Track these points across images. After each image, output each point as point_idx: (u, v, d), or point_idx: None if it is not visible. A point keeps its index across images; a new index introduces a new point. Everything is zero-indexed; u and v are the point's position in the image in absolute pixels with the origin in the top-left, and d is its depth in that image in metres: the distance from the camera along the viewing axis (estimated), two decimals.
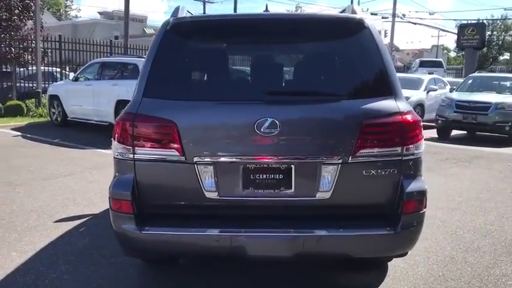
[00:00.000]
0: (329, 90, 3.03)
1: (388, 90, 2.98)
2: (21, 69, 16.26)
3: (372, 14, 39.15)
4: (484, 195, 6.23)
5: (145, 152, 2.89)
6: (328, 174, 2.87)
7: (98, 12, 65.33)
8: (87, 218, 5.02)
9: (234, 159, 2.88)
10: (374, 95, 2.97)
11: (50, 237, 4.51)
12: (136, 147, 2.89)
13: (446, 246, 4.34)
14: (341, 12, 3.52)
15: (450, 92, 13.68)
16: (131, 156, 2.90)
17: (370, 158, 2.88)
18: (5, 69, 15.91)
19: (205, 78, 3.14)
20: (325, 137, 2.90)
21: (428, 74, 21.14)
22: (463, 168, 8.05)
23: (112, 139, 3.00)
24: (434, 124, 12.50)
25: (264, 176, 2.90)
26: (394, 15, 38.17)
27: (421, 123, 3.03)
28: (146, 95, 2.98)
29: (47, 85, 14.57)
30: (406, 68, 36.15)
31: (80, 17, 71.25)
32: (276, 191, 2.91)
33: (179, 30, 3.09)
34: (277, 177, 2.90)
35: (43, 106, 13.89)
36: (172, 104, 2.93)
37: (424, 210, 3.00)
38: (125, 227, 2.91)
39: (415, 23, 41.75)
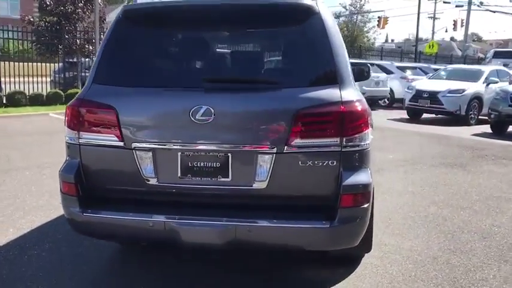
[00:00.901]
0: (269, 78, 2.97)
1: (333, 78, 2.87)
2: (86, 59, 17.20)
3: (444, 2, 37.19)
4: (506, 195, 5.79)
5: (89, 137, 2.99)
6: (265, 163, 2.82)
7: None
8: None
9: (172, 146, 2.90)
10: (317, 83, 2.88)
11: (50, 216, 4.77)
12: (81, 132, 3.00)
13: (434, 247, 4.10)
14: None
15: (510, 84, 12.76)
16: (77, 141, 3.01)
17: (305, 148, 2.80)
18: (71, 60, 16.87)
19: (150, 64, 3.17)
20: (260, 125, 2.84)
21: (503, 65, 19.87)
22: (498, 166, 7.51)
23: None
24: None
25: (202, 164, 2.90)
26: (470, 3, 36.14)
27: (368, 113, 2.88)
28: (95, 81, 3.08)
29: None
30: (479, 59, 34.07)
31: None
32: (214, 179, 2.90)
33: (128, 17, 3.16)
34: (214, 165, 2.89)
35: None
36: (116, 89, 3.01)
37: (367, 205, 2.87)
38: (71, 209, 3.04)
39: (494, 11, 39.17)
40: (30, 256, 3.83)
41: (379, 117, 14.83)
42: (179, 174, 2.92)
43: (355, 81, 5.69)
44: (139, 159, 2.92)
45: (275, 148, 2.80)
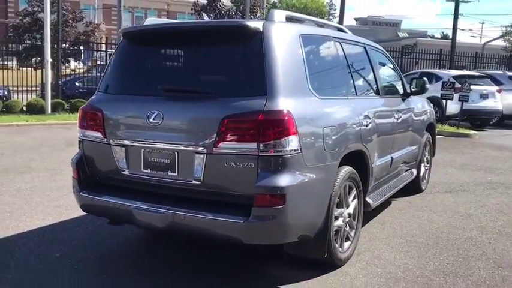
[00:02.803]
0: (209, 89, 3.41)
1: (262, 90, 3.18)
2: None
3: None
4: None
5: (86, 134, 3.81)
6: (200, 162, 3.28)
7: (354, 19, 67.84)
8: None
9: (136, 144, 3.54)
10: (246, 94, 3.23)
11: None
12: (83, 130, 3.83)
13: (430, 267, 3.94)
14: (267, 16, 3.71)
15: None
16: (81, 137, 3.86)
17: (229, 151, 3.17)
18: None
19: (129, 75, 3.84)
20: (196, 129, 3.32)
21: None
22: None
23: None
24: None
25: (157, 160, 3.48)
26: None
27: (289, 123, 3.10)
28: (99, 90, 3.91)
29: None
30: None
31: None
32: (165, 173, 3.46)
33: (125, 38, 3.91)
34: (166, 161, 3.44)
35: None
36: (106, 96, 3.78)
37: (282, 206, 3.09)
38: (74, 189, 3.89)
39: None
40: (80, 228, 4.82)
41: None
42: (142, 168, 3.54)
43: (416, 95, 5.65)
44: (116, 154, 3.63)
45: (206, 149, 3.23)
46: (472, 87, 13.49)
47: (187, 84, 3.50)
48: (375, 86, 4.84)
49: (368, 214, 5.03)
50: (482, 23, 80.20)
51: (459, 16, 29.65)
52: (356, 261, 4.04)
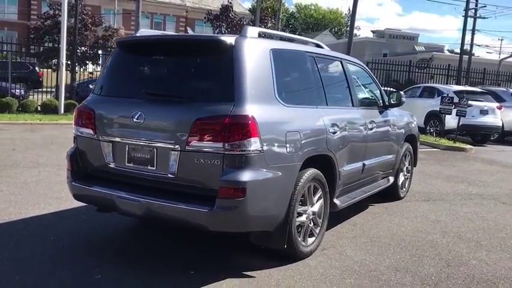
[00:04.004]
0: (186, 95, 3.87)
1: (230, 97, 3.63)
2: None
3: None
4: None
5: (80, 130, 4.30)
6: (175, 158, 3.73)
7: (371, 31, 68.02)
8: None
9: (122, 140, 4.01)
10: (217, 100, 3.69)
11: None
12: (77, 127, 4.32)
13: (385, 264, 4.33)
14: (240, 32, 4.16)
15: None
16: (76, 133, 4.35)
17: (198, 148, 3.62)
18: None
19: (120, 79, 4.33)
20: (172, 129, 3.78)
21: None
22: None
23: None
24: None
25: (139, 155, 3.95)
26: None
27: (251, 126, 3.54)
28: (93, 92, 4.40)
29: None
30: None
31: (359, 35, 75.54)
32: (145, 167, 3.92)
33: (119, 46, 4.41)
34: (146, 156, 3.91)
35: None
36: (99, 98, 4.29)
37: (241, 199, 3.53)
38: (68, 179, 4.37)
39: None
40: (76, 217, 5.31)
41: None
42: (126, 162, 4.01)
43: (394, 107, 6.07)
44: (104, 148, 4.10)
45: (180, 147, 3.69)
46: (473, 103, 13.81)
47: (166, 89, 3.98)
48: (349, 97, 5.25)
49: (342, 216, 5.47)
50: (501, 40, 79.75)
51: (476, 32, 29.98)
52: (319, 255, 4.44)
